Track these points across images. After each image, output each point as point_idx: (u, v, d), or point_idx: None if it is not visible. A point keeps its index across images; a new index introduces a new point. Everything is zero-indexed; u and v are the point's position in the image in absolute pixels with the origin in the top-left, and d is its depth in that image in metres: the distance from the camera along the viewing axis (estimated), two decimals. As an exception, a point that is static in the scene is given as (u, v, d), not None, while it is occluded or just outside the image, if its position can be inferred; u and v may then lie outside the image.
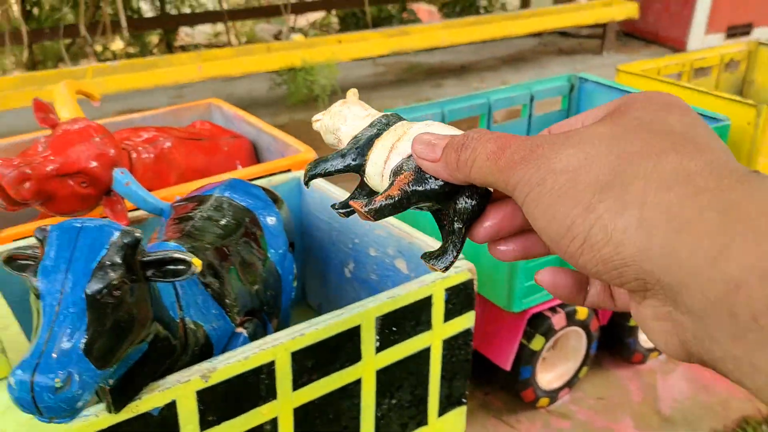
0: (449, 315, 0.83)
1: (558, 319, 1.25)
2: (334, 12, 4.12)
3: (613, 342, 1.44)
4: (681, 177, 0.28)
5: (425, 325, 0.81)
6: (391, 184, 0.44)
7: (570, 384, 1.37)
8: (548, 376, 1.35)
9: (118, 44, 3.17)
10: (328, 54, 2.41)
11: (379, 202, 0.42)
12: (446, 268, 0.42)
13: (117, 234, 0.53)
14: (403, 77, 3.19)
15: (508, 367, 1.25)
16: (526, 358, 1.26)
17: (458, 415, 0.93)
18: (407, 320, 0.79)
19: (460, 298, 0.83)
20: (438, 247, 0.43)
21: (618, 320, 1.40)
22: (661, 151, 0.29)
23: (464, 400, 0.92)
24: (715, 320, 0.26)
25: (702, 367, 0.26)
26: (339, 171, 0.49)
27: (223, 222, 0.84)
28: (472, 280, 0.83)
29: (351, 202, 0.44)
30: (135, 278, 0.54)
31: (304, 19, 4.15)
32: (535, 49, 3.64)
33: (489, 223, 0.39)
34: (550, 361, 1.35)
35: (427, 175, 0.42)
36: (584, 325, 1.31)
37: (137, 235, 0.53)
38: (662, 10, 3.58)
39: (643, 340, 1.43)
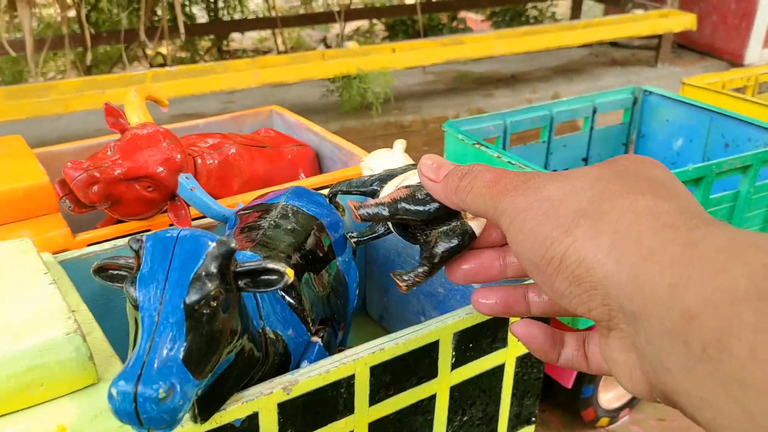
0: (524, 332, 0.82)
1: (622, 338, 1.23)
2: (382, 20, 4.13)
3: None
4: (652, 213, 0.30)
5: (501, 342, 0.79)
6: (387, 195, 0.49)
7: (631, 404, 1.34)
8: (608, 396, 1.32)
9: (165, 49, 3.22)
10: (383, 62, 2.41)
11: (370, 205, 0.48)
12: (407, 287, 0.48)
13: (213, 244, 0.53)
14: (454, 86, 3.18)
15: (569, 384, 1.23)
16: (589, 377, 1.23)
17: (526, 434, 0.91)
18: (484, 336, 0.77)
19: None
20: (411, 269, 0.49)
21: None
22: (638, 192, 0.32)
23: (533, 419, 0.90)
24: (670, 350, 0.27)
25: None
26: (359, 192, 0.56)
27: (292, 230, 0.83)
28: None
29: (348, 202, 0.49)
30: (229, 288, 0.54)
31: (349, 26, 4.17)
32: (586, 60, 3.60)
33: (467, 266, 0.43)
34: (610, 380, 1.32)
35: (420, 196, 0.47)
36: (648, 344, 1.28)
37: (232, 245, 0.53)
38: (719, 23, 3.50)
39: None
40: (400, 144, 0.66)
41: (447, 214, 0.47)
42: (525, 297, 0.41)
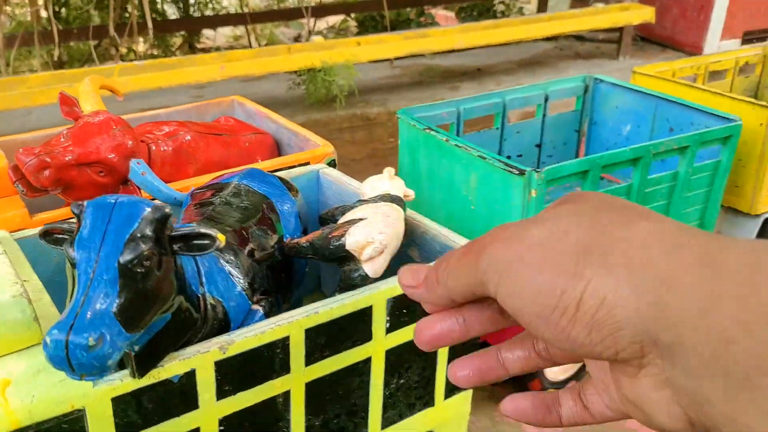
0: (457, 300, 0.87)
1: (566, 313, 1.28)
2: (352, 15, 4.17)
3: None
4: (658, 236, 0.29)
5: (433, 308, 0.84)
6: (306, 236, 0.67)
7: (577, 376, 1.40)
8: (555, 368, 1.38)
9: (141, 46, 3.24)
10: (348, 55, 2.46)
11: (294, 243, 0.73)
12: None
13: (148, 209, 0.57)
14: (419, 79, 3.23)
15: (516, 358, 1.28)
16: (535, 350, 1.28)
17: (464, 398, 0.96)
18: (418, 303, 0.82)
19: (467, 284, 0.86)
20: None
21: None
22: (629, 220, 0.30)
23: (471, 384, 0.95)
24: (709, 380, 0.26)
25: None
26: (328, 217, 0.88)
27: (242, 207, 0.88)
28: (479, 267, 0.86)
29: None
30: (163, 251, 0.58)
31: (323, 23, 4.20)
32: (551, 53, 3.67)
33: (428, 332, 0.38)
34: (558, 354, 1.37)
35: (322, 242, 0.68)
36: (592, 319, 1.33)
37: (167, 210, 0.58)
38: (679, 16, 3.59)
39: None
40: (387, 171, 0.83)
41: (344, 258, 0.63)
42: (498, 359, 0.38)
